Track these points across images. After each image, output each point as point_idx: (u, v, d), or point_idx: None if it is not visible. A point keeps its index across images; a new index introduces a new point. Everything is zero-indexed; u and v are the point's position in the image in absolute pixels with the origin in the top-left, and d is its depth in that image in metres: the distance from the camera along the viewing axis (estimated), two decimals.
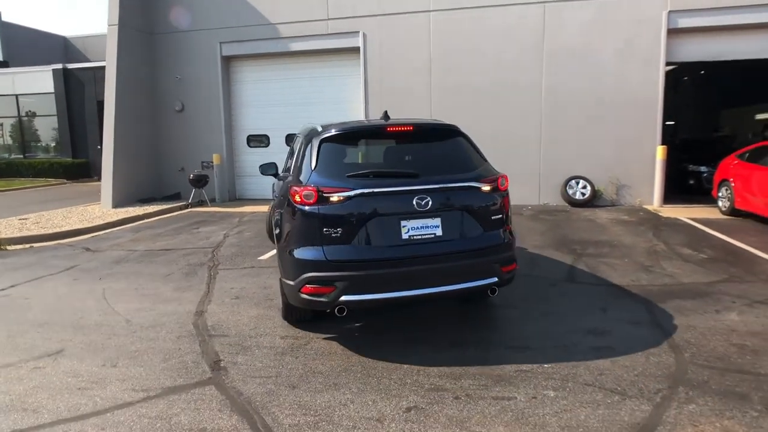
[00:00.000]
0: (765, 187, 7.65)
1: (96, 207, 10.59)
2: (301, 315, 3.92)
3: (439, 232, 3.49)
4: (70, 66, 18.52)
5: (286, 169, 4.51)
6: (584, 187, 10.15)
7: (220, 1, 11.80)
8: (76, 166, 18.15)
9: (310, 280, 3.30)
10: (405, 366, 3.26)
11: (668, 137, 16.47)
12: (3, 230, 7.99)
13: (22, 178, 18.15)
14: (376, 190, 3.40)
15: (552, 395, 2.86)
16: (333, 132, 3.74)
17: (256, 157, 12.51)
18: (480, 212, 3.62)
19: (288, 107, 12.14)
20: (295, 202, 3.40)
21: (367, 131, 4.18)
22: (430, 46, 10.61)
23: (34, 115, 19.46)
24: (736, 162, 8.82)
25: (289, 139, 12.03)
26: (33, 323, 4.23)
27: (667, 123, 25.68)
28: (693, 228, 7.62)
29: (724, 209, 8.81)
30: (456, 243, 3.53)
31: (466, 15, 10.38)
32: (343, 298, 3.28)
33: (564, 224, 8.16)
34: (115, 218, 9.11)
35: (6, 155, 19.92)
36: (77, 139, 18.53)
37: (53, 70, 18.40)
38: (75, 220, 8.95)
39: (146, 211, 9.92)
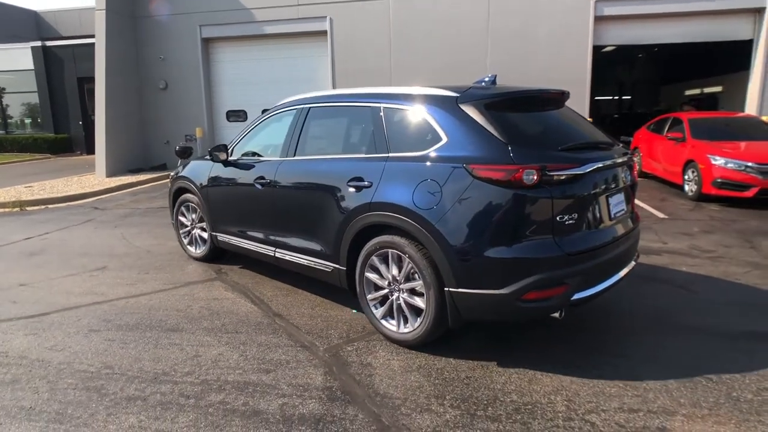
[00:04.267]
0: (662, 153, 9.36)
1: (91, 177, 11.77)
2: None
3: (625, 207, 3.27)
4: (50, 43, 19.09)
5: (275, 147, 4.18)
6: None
7: None
8: (59, 141, 18.94)
9: (537, 284, 2.70)
10: None
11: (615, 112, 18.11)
12: (17, 195, 9.19)
13: (7, 153, 18.90)
14: (601, 164, 2.94)
15: None
16: (489, 95, 3.08)
17: (235, 130, 13.78)
18: (634, 186, 3.48)
19: (262, 85, 13.35)
20: (500, 184, 2.71)
21: (529, 95, 3.31)
22: (390, 30, 11.93)
23: (14, 92, 20.02)
24: (644, 132, 10.54)
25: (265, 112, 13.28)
26: (76, 254, 5.64)
27: (624, 97, 27.48)
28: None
29: None
30: (632, 220, 3.38)
31: (421, 2, 11.72)
32: (577, 296, 2.81)
33: None
34: (112, 185, 10.38)
35: None
36: (59, 114, 19.24)
37: (32, 47, 18.95)
38: (76, 187, 10.17)
39: (138, 179, 11.18)
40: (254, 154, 4.38)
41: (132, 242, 6.07)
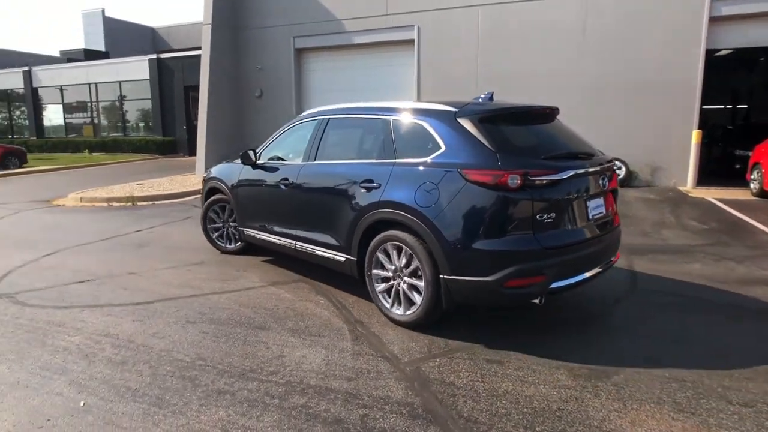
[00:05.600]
0: None
1: (192, 176, 12.73)
2: None
3: (604, 210, 3.62)
4: (163, 56, 21.03)
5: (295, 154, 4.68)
6: (619, 168, 10.99)
7: (294, 0, 13.49)
8: (166, 143, 20.76)
9: (518, 273, 3.11)
10: None
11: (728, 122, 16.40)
12: (130, 191, 10.17)
13: (123, 153, 21.05)
14: (579, 172, 3.35)
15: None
16: (483, 110, 3.50)
17: None
18: (615, 192, 3.87)
19: (348, 93, 13.67)
20: (488, 186, 3.14)
21: (520, 111, 3.71)
22: (478, 37, 11.75)
23: (132, 99, 22.26)
24: None
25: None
26: (177, 247, 6.09)
27: (738, 107, 24.92)
28: (712, 206, 8.42)
29: (754, 191, 9.40)
30: (611, 222, 3.73)
31: (512, 8, 11.42)
32: (554, 285, 3.22)
33: None
34: None
35: (108, 134, 22.98)
36: (167, 119, 21.12)
37: (149, 59, 20.99)
38: (179, 186, 11.04)
39: None
40: (279, 158, 4.88)
41: None
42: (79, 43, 27.87)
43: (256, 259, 5.50)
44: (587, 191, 3.45)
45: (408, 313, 3.60)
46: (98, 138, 22.61)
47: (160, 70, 20.83)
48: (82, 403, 2.74)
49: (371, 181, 3.74)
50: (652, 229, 6.78)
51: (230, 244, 5.71)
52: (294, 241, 4.53)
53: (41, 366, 3.18)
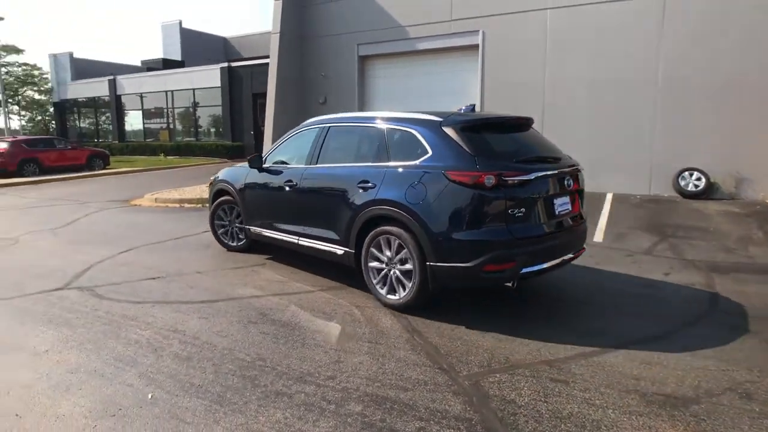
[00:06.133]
0: None
1: None
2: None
3: (570, 207, 4.08)
4: (233, 64, 22.04)
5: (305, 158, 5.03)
6: (698, 179, 10.22)
7: (359, 9, 13.70)
8: (235, 147, 21.71)
9: (493, 259, 3.58)
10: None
11: None
12: (200, 193, 10.70)
13: (195, 157, 22.25)
14: (546, 173, 3.85)
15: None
16: (465, 120, 3.98)
17: None
18: (581, 192, 4.35)
19: (411, 99, 13.71)
20: (467, 185, 3.61)
21: (496, 120, 4.32)
22: (546, 41, 11.37)
23: (204, 105, 23.51)
24: None
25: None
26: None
27: None
28: None
29: None
30: (575, 216, 4.20)
31: (583, 9, 10.97)
32: (524, 270, 3.69)
33: (666, 212, 8.62)
34: None
35: (181, 138, 24.38)
36: (236, 125, 22.09)
37: (220, 68, 22.08)
38: None
39: None
40: (283, 162, 5.34)
41: None
42: (158, 53, 29.82)
43: (316, 261, 5.59)
44: (553, 190, 3.93)
45: (400, 297, 4.07)
46: (173, 142, 24.02)
47: (231, 78, 21.85)
48: (150, 396, 2.87)
49: (367, 182, 4.22)
50: (736, 245, 6.23)
51: (234, 242, 6.13)
52: (297, 237, 4.99)
53: (115, 357, 3.37)
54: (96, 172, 17.76)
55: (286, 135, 5.54)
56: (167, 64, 26.67)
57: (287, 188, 5.03)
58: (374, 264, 4.23)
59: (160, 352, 3.42)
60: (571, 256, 4.14)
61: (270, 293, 4.63)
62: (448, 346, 3.45)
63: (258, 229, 5.57)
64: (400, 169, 4.05)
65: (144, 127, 26.02)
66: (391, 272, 4.13)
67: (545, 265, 3.86)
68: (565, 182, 4.04)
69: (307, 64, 14.59)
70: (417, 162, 3.96)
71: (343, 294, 4.57)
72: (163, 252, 6.27)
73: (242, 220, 5.84)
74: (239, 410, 2.71)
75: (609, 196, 10.08)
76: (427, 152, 3.94)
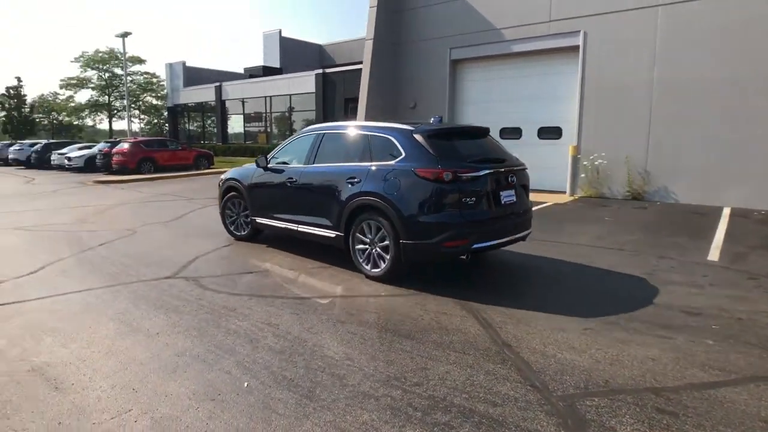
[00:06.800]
0: None
1: None
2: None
3: (515, 199, 5.05)
4: (327, 70, 22.92)
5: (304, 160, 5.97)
6: None
7: (452, 12, 13.61)
8: None
9: (450, 237, 4.53)
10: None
11: None
12: None
13: None
14: (493, 171, 4.81)
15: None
16: (432, 129, 4.97)
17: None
18: (525, 186, 5.33)
19: (504, 103, 13.35)
20: (430, 180, 4.55)
21: (456, 130, 5.42)
22: (655, 41, 10.53)
23: (299, 110, 24.68)
24: None
25: (504, 132, 13.26)
26: (334, 248, 6.50)
27: None
28: None
29: None
30: (521, 206, 5.17)
31: (696, 7, 10.01)
32: (474, 246, 4.66)
33: None
34: None
35: (277, 141, 25.78)
36: None
37: (315, 74, 23.07)
38: None
39: None
40: (285, 163, 6.30)
41: None
42: (259, 61, 31.82)
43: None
44: (499, 184, 4.89)
45: (381, 269, 5.01)
46: (270, 145, 25.49)
47: (325, 84, 22.74)
48: (246, 384, 3.02)
49: (354, 178, 5.17)
50: None
51: (240, 232, 7.00)
52: (296, 225, 5.91)
53: (216, 345, 3.60)
54: (202, 171, 19.32)
55: (286, 140, 6.55)
56: (267, 71, 28.38)
57: (288, 184, 5.95)
58: (360, 246, 5.19)
59: (256, 344, 3.60)
60: (518, 236, 5.16)
61: (359, 294, 4.72)
62: (541, 363, 3.27)
63: (262, 220, 6.47)
64: (380, 167, 4.99)
65: (244, 130, 27.88)
66: (373, 251, 5.07)
67: (493, 242, 4.88)
68: (509, 179, 4.99)
69: (399, 69, 14.76)
70: (393, 162, 4.92)
71: (434, 301, 4.52)
72: (259, 248, 6.63)
73: (248, 213, 6.73)
74: (327, 407, 2.76)
75: (726, 211, 9.09)
76: (401, 154, 4.90)
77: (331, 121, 22.75)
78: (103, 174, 20.10)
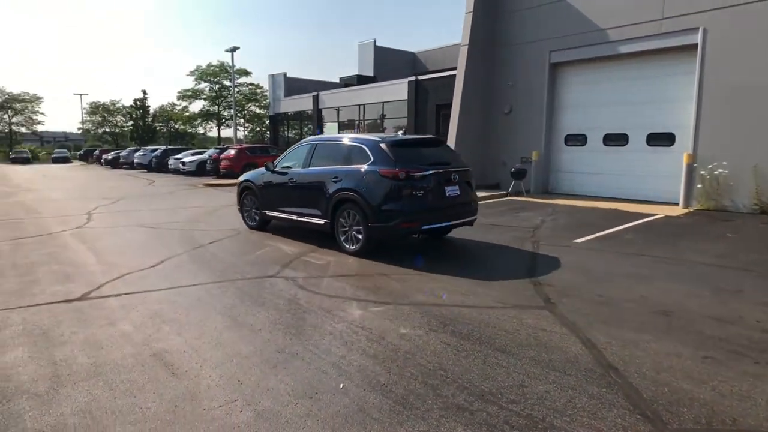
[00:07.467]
0: None
1: None
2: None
3: (458, 192, 6.52)
4: (420, 78, 23.04)
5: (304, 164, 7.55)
6: None
7: (552, 14, 13.07)
8: None
9: (404, 220, 6.06)
10: None
11: None
12: None
13: None
14: (437, 170, 6.30)
15: None
16: (393, 140, 6.55)
17: (572, 155, 13.39)
18: (469, 182, 6.78)
19: (607, 107, 12.54)
20: (390, 178, 6.09)
21: (414, 140, 6.95)
22: None
23: (391, 117, 25.06)
24: None
25: (608, 139, 12.46)
26: (433, 255, 6.49)
27: None
28: None
29: None
30: (464, 197, 6.63)
31: None
32: (423, 227, 6.24)
33: None
34: None
35: None
36: (418, 135, 23.01)
37: (408, 81, 23.28)
38: None
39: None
40: (288, 166, 7.80)
41: (471, 251, 6.58)
42: (354, 70, 32.84)
43: (505, 272, 5.43)
44: (444, 181, 6.37)
45: (356, 247, 6.51)
46: None
47: (417, 91, 22.86)
48: (341, 386, 3.09)
49: (337, 177, 6.71)
50: None
51: (251, 222, 8.63)
52: (296, 216, 7.47)
53: (313, 344, 3.73)
54: None
55: (290, 148, 8.15)
56: (361, 79, 29.17)
57: (290, 183, 7.54)
58: (342, 229, 6.69)
59: (350, 346, 3.67)
60: (462, 221, 6.80)
61: (451, 303, 4.64)
62: (653, 391, 2.98)
63: (271, 213, 8.07)
64: (355, 169, 6.54)
65: None
66: (351, 233, 6.57)
67: (439, 225, 6.44)
68: (452, 177, 6.46)
69: (494, 75, 14.46)
70: (365, 165, 6.46)
71: (531, 315, 4.33)
72: (343, 258, 6.80)
73: (258, 207, 8.35)
74: (421, 416, 2.74)
75: None
76: (370, 159, 6.45)
77: (422, 128, 22.93)
78: (212, 177, 21.88)
